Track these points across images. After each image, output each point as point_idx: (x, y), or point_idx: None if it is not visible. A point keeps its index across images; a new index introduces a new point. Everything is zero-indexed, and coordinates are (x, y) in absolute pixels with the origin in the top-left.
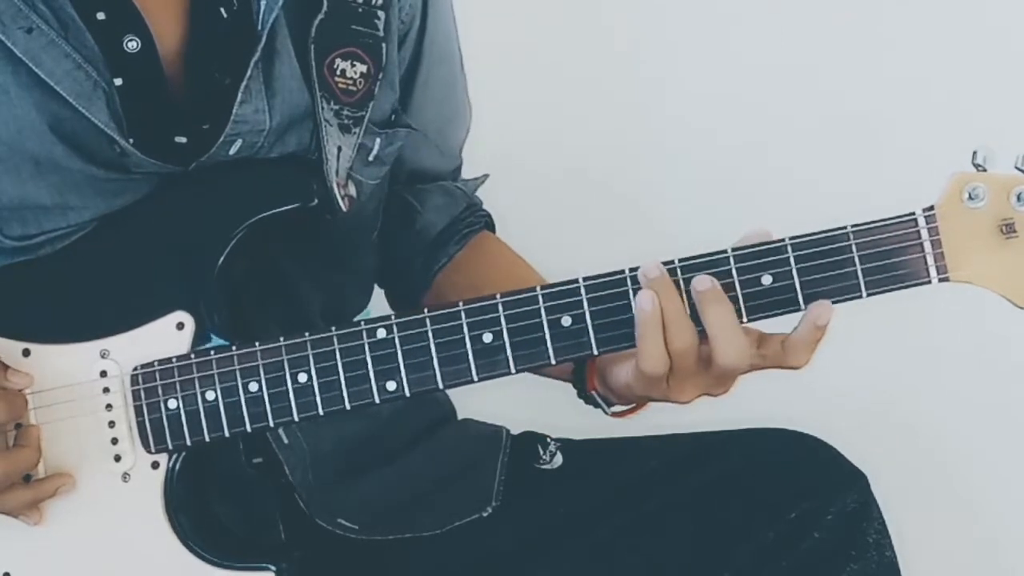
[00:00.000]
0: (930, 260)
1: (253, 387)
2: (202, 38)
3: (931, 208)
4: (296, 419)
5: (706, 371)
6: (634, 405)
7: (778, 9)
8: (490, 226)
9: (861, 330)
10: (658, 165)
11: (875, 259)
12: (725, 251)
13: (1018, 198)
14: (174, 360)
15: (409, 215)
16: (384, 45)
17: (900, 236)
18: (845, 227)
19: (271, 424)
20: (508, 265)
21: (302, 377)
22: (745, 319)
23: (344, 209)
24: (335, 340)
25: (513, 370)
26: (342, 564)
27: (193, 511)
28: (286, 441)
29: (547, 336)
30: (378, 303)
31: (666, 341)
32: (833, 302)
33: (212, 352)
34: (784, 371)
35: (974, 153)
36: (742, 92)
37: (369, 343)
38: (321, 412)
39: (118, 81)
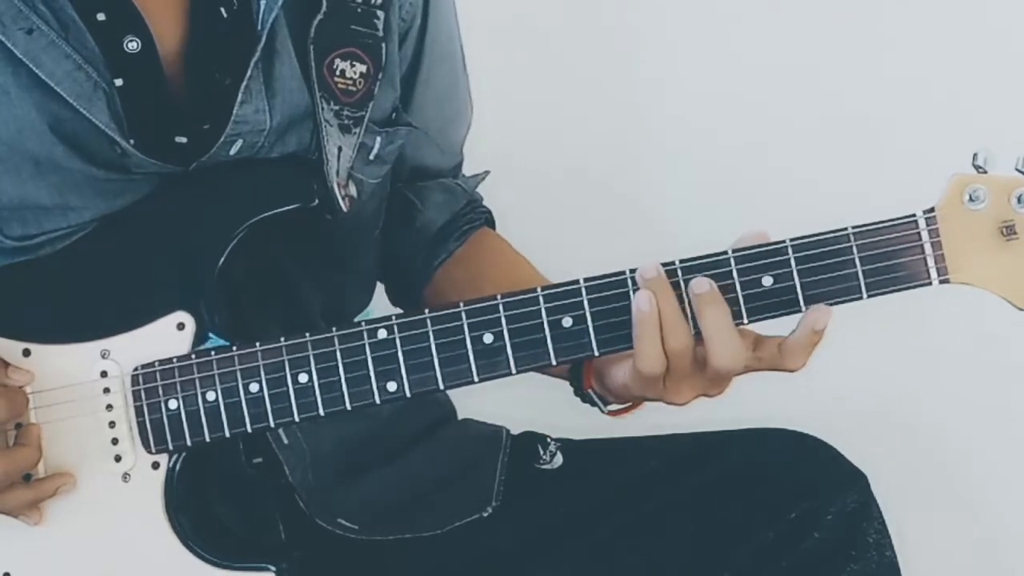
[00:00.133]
0: (930, 262)
1: (254, 387)
2: (202, 38)
3: (931, 210)
4: (297, 419)
5: (701, 372)
6: (630, 404)
7: (778, 9)
8: (490, 223)
9: (861, 331)
10: (658, 165)
11: (875, 260)
12: (726, 252)
13: (1018, 200)
14: (175, 360)
15: (410, 213)
16: (384, 45)
17: (900, 238)
18: (846, 228)
19: (271, 424)
20: (508, 262)
21: (303, 377)
22: (746, 320)
23: (345, 209)
24: (336, 340)
25: (514, 371)
26: (342, 564)
27: (193, 511)
28: (286, 441)
29: (548, 337)
30: (379, 303)
31: (663, 341)
32: (833, 303)
33: (213, 352)
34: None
35: (974, 155)
36: (742, 92)
37: (370, 343)
38: (322, 412)
39: (118, 82)
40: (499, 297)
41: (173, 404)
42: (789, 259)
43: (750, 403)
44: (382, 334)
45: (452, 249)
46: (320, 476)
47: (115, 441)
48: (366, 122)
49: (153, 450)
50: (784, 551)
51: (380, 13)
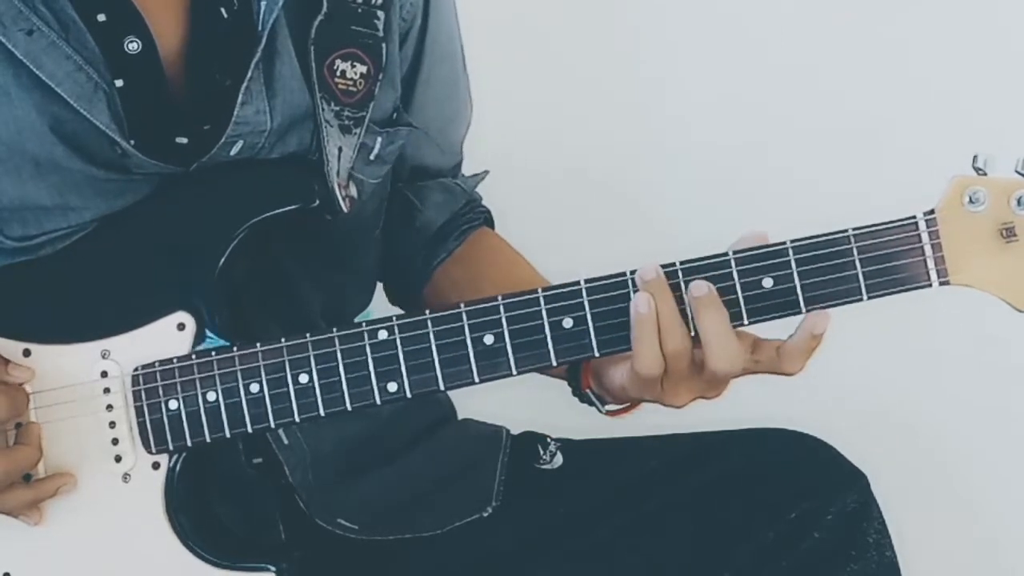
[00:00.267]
0: (930, 264)
1: (254, 388)
2: (203, 39)
3: (932, 212)
4: (297, 420)
5: (699, 375)
6: (628, 404)
7: (779, 9)
8: (489, 222)
9: (861, 331)
10: (658, 165)
11: (876, 262)
12: (726, 254)
13: (1018, 202)
14: (175, 360)
15: (409, 213)
16: (384, 45)
17: (901, 239)
18: (846, 230)
19: (272, 425)
20: (507, 261)
21: (303, 378)
22: (746, 321)
23: (345, 210)
24: (336, 341)
25: (514, 371)
26: (342, 564)
27: (193, 511)
28: (286, 441)
29: (548, 338)
30: (379, 304)
31: (661, 343)
32: (834, 305)
33: (213, 353)
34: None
35: (974, 157)
36: (742, 92)
37: (370, 344)
38: (322, 413)
39: (119, 82)
40: (500, 298)
41: (173, 404)
42: (789, 260)
43: (750, 403)
44: (383, 335)
45: (451, 248)
46: (320, 476)
47: (115, 441)
48: (367, 122)
49: (153, 450)
50: (784, 551)
51: (380, 13)
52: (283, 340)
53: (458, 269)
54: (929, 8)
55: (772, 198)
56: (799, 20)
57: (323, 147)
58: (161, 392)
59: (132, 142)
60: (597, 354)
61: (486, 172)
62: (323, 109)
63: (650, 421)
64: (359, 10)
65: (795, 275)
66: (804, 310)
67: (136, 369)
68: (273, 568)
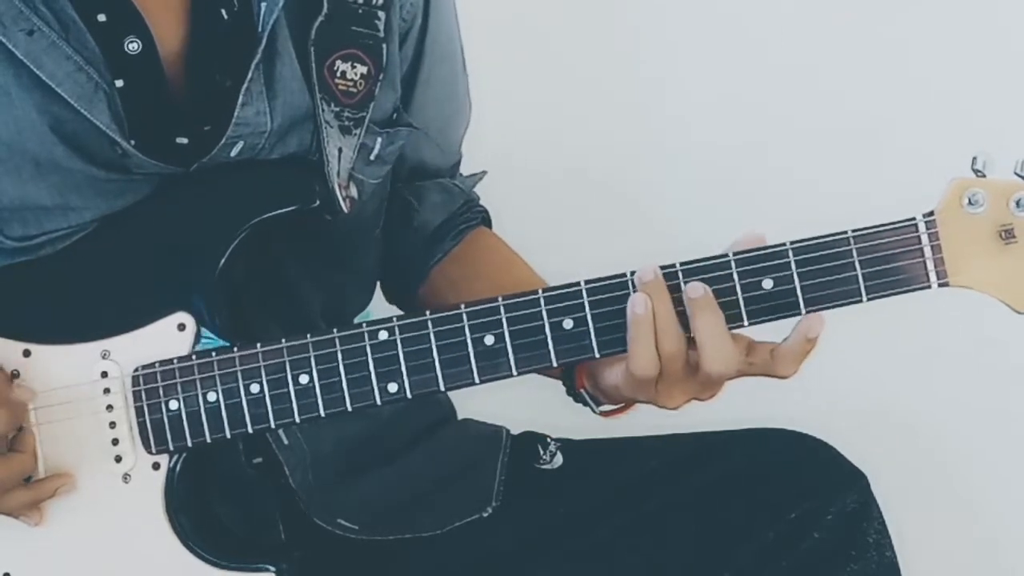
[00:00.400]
0: (930, 265)
1: (254, 388)
2: (203, 39)
3: (931, 213)
4: (297, 420)
5: (694, 376)
6: (622, 405)
7: (779, 10)
8: (487, 222)
9: (861, 331)
10: (658, 165)
11: (875, 264)
12: (727, 255)
13: (1017, 204)
14: (175, 361)
15: (407, 213)
16: (385, 46)
17: (900, 241)
18: (845, 232)
19: (272, 425)
20: (504, 260)
21: (303, 378)
22: (746, 323)
23: (346, 210)
24: (337, 342)
25: (515, 372)
26: (342, 564)
27: (193, 512)
28: (286, 442)
29: (548, 339)
30: (379, 304)
31: (657, 344)
32: (834, 306)
33: (213, 353)
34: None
35: (973, 159)
36: (742, 92)
37: (371, 345)
38: (323, 413)
39: (119, 83)
40: (500, 299)
41: (174, 404)
42: (789, 262)
43: (750, 403)
44: (383, 335)
45: (448, 248)
46: (320, 476)
47: (115, 441)
48: (367, 123)
49: (153, 450)
50: (784, 551)
51: (381, 14)
52: (283, 340)
53: (455, 268)
54: (929, 8)
55: (772, 198)
56: (799, 20)
57: (323, 148)
58: (161, 392)
59: (132, 142)
60: (598, 355)
61: (484, 172)
62: (323, 110)
63: (650, 421)
64: (360, 11)
65: (795, 276)
66: (804, 311)
67: (136, 369)
68: (273, 568)
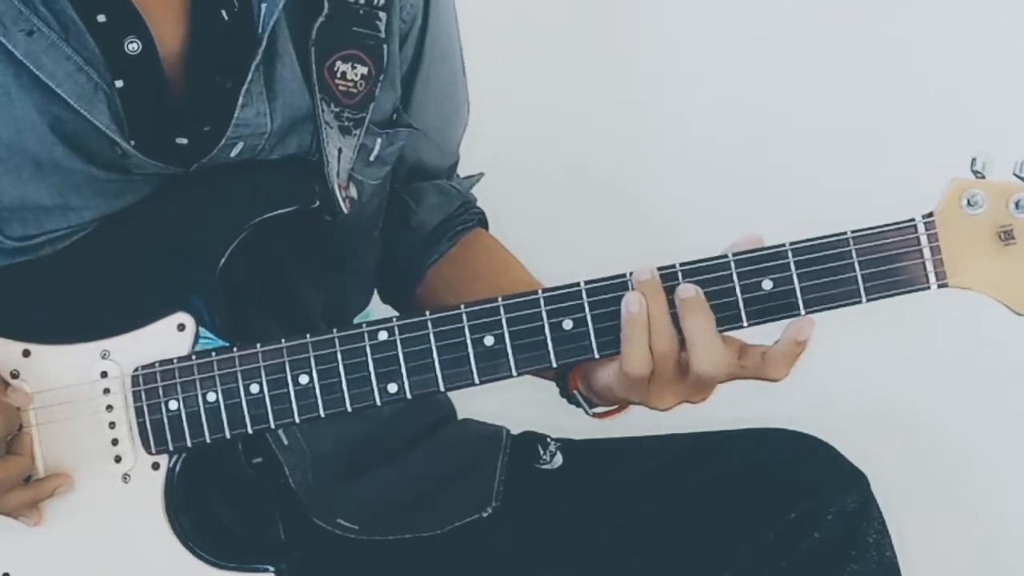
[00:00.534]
0: (929, 266)
1: (254, 388)
2: (203, 40)
3: (930, 214)
4: (297, 420)
5: (685, 378)
6: (616, 407)
7: (779, 9)
8: (483, 223)
9: (861, 331)
10: (658, 164)
11: (875, 265)
12: (726, 256)
13: (1016, 205)
14: (175, 361)
15: (404, 214)
16: (385, 46)
17: (900, 242)
18: (845, 233)
19: (272, 425)
20: (500, 261)
21: (303, 379)
22: (745, 323)
23: (346, 211)
24: (336, 342)
25: (514, 373)
26: (342, 564)
27: (193, 512)
28: (286, 442)
29: (548, 339)
30: (378, 304)
31: (650, 344)
32: (833, 307)
33: (213, 353)
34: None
35: (973, 160)
36: (743, 92)
37: (371, 345)
38: (322, 414)
39: (119, 83)
40: (500, 299)
41: (173, 405)
42: (789, 263)
43: (750, 403)
44: (383, 336)
45: (444, 249)
46: (320, 476)
47: (115, 442)
48: (366, 124)
49: (153, 451)
50: (784, 551)
51: (382, 15)
52: (283, 341)
53: (450, 269)
54: (929, 9)
55: (772, 198)
56: (799, 19)
57: (323, 148)
58: (161, 392)
59: (132, 142)
60: (597, 355)
61: (481, 174)
62: (323, 110)
63: (650, 421)
64: (360, 11)
65: (794, 277)
66: (803, 312)
67: (136, 369)
68: (273, 568)
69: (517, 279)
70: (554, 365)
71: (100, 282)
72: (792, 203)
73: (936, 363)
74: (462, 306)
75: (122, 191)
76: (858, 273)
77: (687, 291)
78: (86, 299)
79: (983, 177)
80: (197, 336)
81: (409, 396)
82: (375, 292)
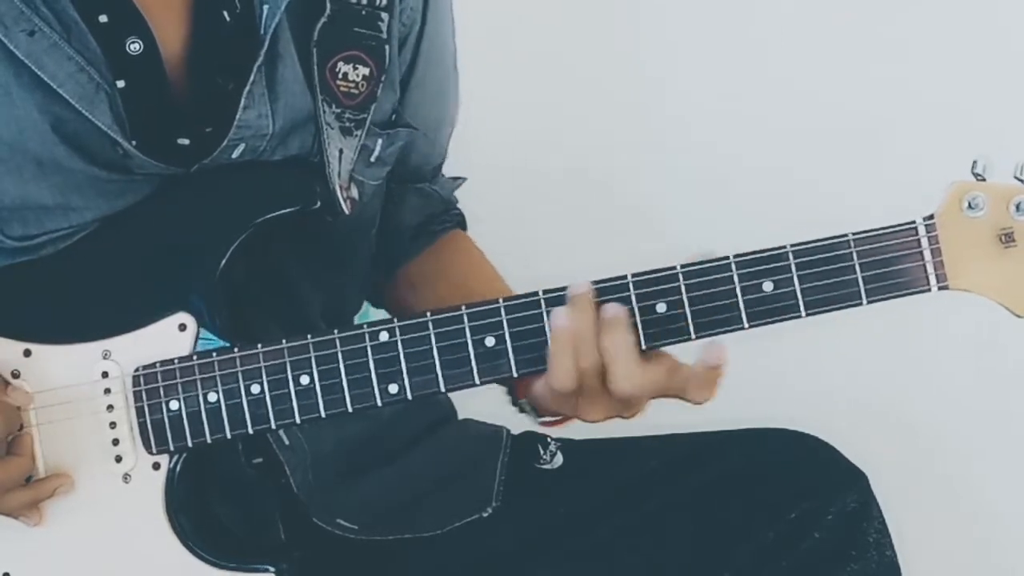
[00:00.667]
0: (930, 268)
1: (255, 389)
2: (204, 41)
3: (931, 217)
4: (298, 421)
5: (612, 395)
6: (560, 417)
7: (779, 10)
8: (462, 224)
9: (862, 331)
10: (658, 165)
11: (875, 267)
12: (727, 258)
13: (1017, 208)
14: (176, 361)
15: (386, 215)
16: (387, 47)
17: (900, 244)
18: (846, 235)
19: (273, 426)
20: (470, 262)
21: (304, 379)
22: (746, 325)
23: (347, 211)
24: (338, 342)
25: (515, 373)
26: (342, 564)
27: (193, 512)
28: (287, 442)
29: (548, 340)
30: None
31: (576, 360)
32: (834, 309)
33: (214, 353)
34: (785, 371)
35: (974, 163)
36: (743, 93)
37: (372, 346)
38: (323, 414)
39: (120, 83)
40: (501, 300)
41: (174, 405)
42: (790, 264)
43: (750, 403)
44: (384, 336)
45: (419, 249)
46: (320, 477)
47: (116, 442)
48: (367, 124)
49: (154, 451)
50: (784, 551)
51: (384, 15)
52: (284, 341)
53: (419, 269)
54: (930, 10)
55: (772, 199)
56: (799, 21)
57: (324, 149)
58: (162, 392)
59: (133, 143)
60: None
61: (464, 178)
62: (324, 111)
63: (650, 421)
64: (363, 12)
65: (795, 279)
66: (804, 314)
67: (137, 369)
68: (273, 568)
69: (480, 279)
70: None
71: (101, 282)
72: (793, 205)
73: (936, 363)
74: (463, 307)
75: (123, 191)
76: (859, 275)
77: (608, 310)
78: (87, 299)
79: (984, 179)
80: (198, 336)
81: (410, 396)
82: None
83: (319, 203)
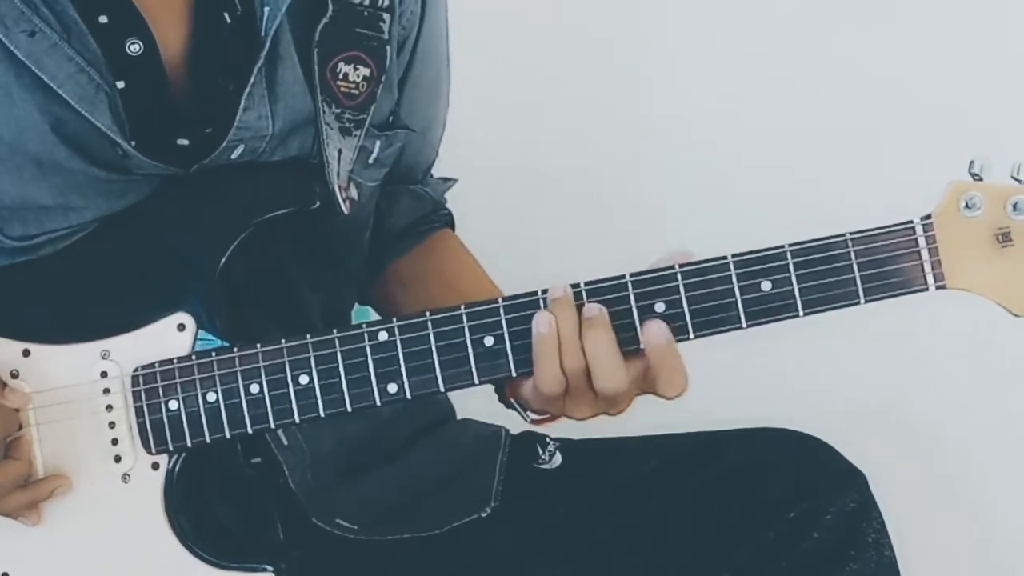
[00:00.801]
0: (927, 268)
1: (254, 388)
2: (205, 42)
3: (928, 216)
4: (297, 421)
5: (596, 393)
6: (548, 416)
7: (778, 10)
8: (450, 224)
9: (861, 331)
10: (656, 165)
11: (873, 266)
12: (725, 257)
13: (1014, 207)
14: (175, 361)
15: (378, 216)
16: (388, 48)
17: (898, 244)
18: (844, 234)
19: (272, 426)
20: (458, 261)
21: (303, 379)
22: (744, 325)
23: (346, 211)
24: (337, 342)
25: (514, 373)
26: (341, 564)
27: (193, 512)
28: (286, 442)
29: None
30: None
31: (561, 362)
32: (832, 309)
33: (213, 353)
34: (784, 370)
35: (971, 163)
36: (742, 93)
37: (371, 345)
38: (322, 414)
39: (120, 84)
40: (500, 300)
41: (173, 405)
42: (788, 264)
43: (750, 403)
44: (383, 336)
45: (407, 248)
46: (320, 477)
47: (115, 442)
48: (367, 125)
49: (153, 451)
50: (784, 551)
51: (386, 16)
52: (283, 341)
53: (407, 268)
54: (929, 10)
55: (771, 199)
56: (798, 21)
57: (323, 150)
58: (161, 392)
59: (133, 143)
60: None
61: (455, 180)
62: (324, 112)
63: (650, 421)
64: (365, 12)
65: (793, 278)
66: (802, 314)
67: (136, 369)
68: (272, 568)
69: (467, 279)
70: None
71: (100, 282)
72: (791, 204)
73: (934, 363)
74: (462, 307)
75: (123, 191)
76: (856, 274)
77: (591, 310)
78: (86, 299)
79: (981, 179)
80: (197, 336)
81: (409, 396)
82: None
83: (318, 203)
